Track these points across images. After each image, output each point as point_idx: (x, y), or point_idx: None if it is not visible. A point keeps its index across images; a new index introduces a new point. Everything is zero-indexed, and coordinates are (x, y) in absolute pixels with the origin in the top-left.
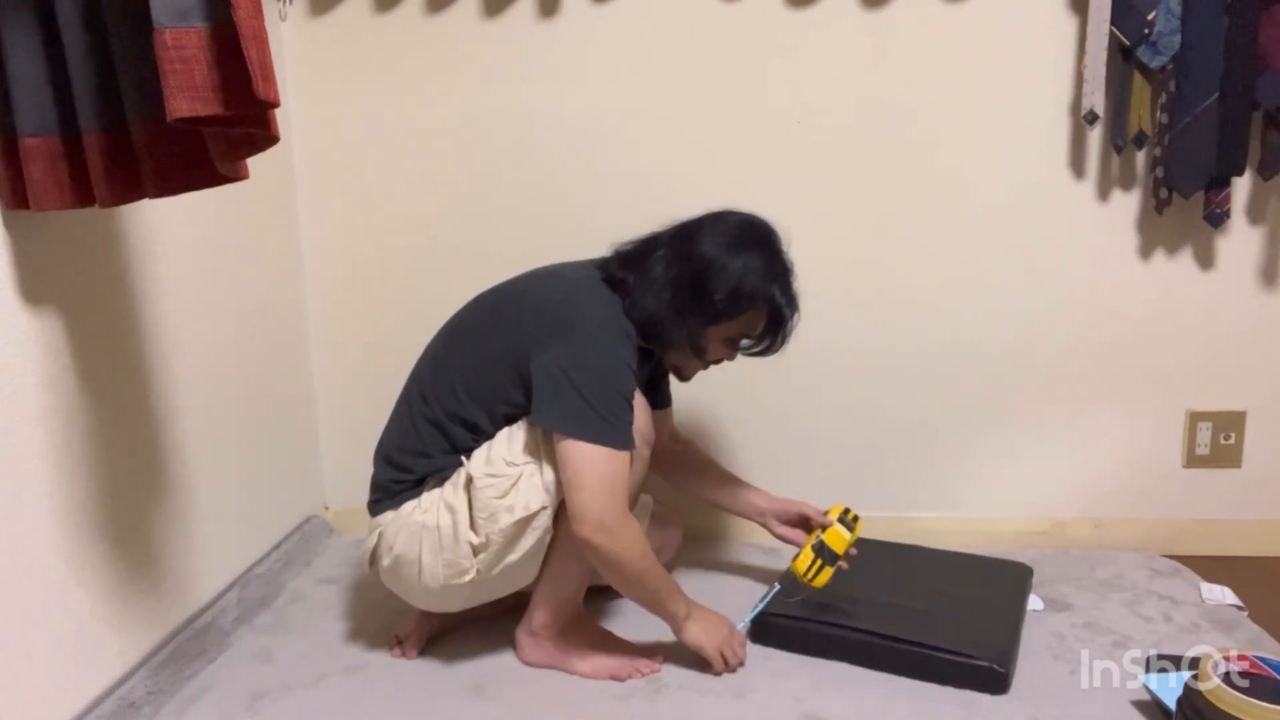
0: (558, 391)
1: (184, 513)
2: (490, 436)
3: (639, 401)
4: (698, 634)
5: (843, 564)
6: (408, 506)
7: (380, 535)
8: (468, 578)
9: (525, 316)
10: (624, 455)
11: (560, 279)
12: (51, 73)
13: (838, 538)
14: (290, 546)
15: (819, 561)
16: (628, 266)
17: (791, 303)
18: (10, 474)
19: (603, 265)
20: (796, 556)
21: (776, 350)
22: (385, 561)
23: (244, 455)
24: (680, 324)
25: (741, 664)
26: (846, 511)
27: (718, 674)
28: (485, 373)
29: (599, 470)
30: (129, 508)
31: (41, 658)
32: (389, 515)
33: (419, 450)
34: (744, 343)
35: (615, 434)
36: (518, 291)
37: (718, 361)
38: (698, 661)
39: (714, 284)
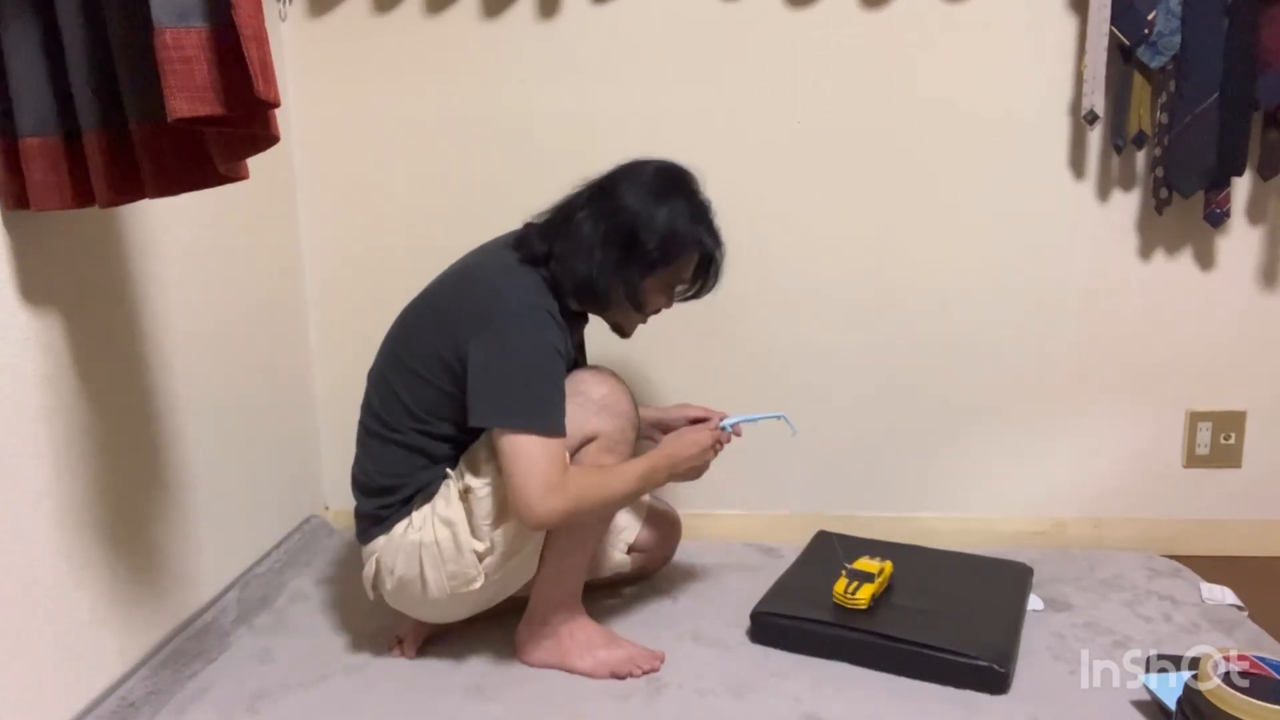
0: (483, 385)
1: (184, 513)
2: (462, 441)
3: (619, 386)
4: (672, 477)
5: (880, 582)
6: (399, 528)
7: (378, 561)
8: (477, 585)
9: (444, 318)
10: (558, 440)
11: (472, 273)
12: (51, 73)
13: (867, 563)
14: (290, 546)
15: (855, 583)
16: (549, 237)
17: (718, 241)
18: (10, 474)
19: (518, 244)
20: (835, 584)
21: (710, 290)
22: (388, 585)
23: (244, 455)
24: (617, 280)
25: (722, 442)
26: (872, 559)
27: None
28: (428, 386)
29: (534, 457)
30: (129, 508)
31: (41, 658)
32: (381, 541)
33: (399, 474)
34: (679, 288)
35: (544, 419)
36: (434, 296)
37: (655, 311)
38: (698, 661)
39: (645, 235)
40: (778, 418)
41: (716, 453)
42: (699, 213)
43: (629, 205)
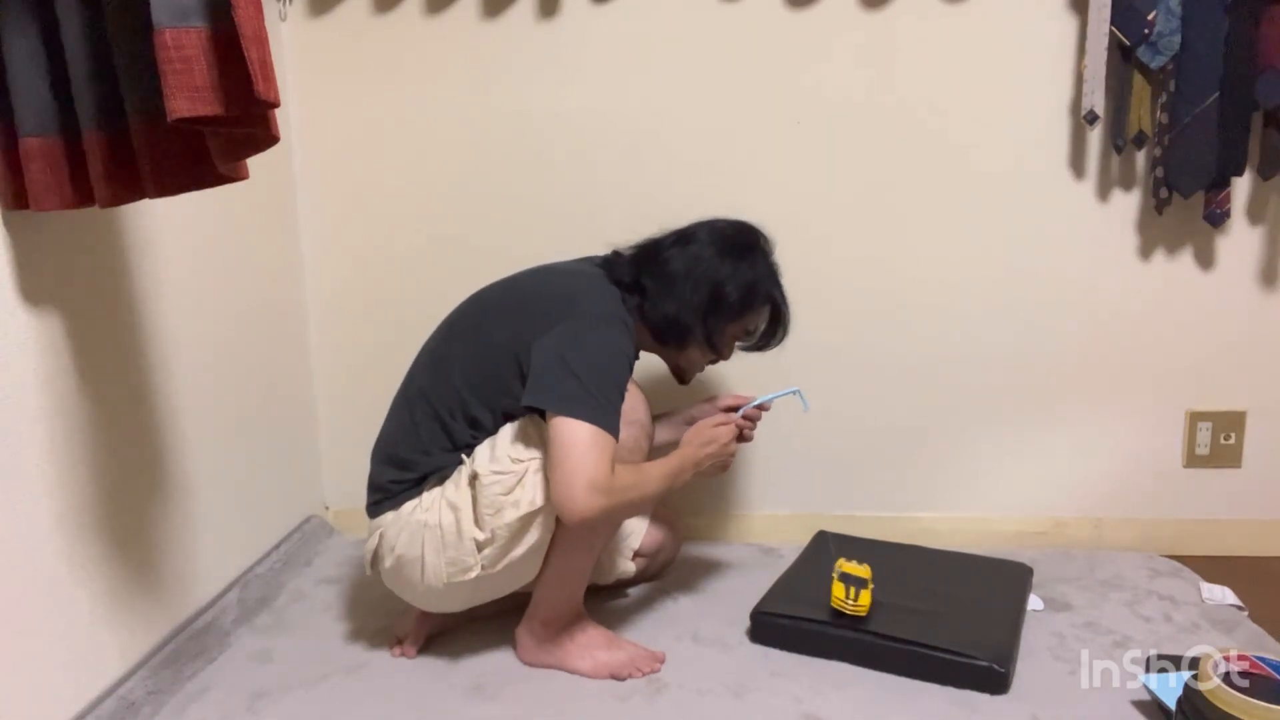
0: (552, 371)
1: (184, 513)
2: (490, 433)
3: (638, 395)
4: (696, 473)
5: (872, 584)
6: (408, 506)
7: (381, 536)
8: (472, 574)
9: (525, 308)
10: (610, 439)
11: (560, 273)
12: (51, 73)
13: (854, 568)
14: (290, 546)
15: (853, 588)
16: (638, 269)
17: (786, 301)
18: (10, 474)
19: (605, 265)
20: (831, 594)
21: (778, 344)
22: (387, 563)
23: (244, 455)
24: (701, 323)
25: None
26: (849, 560)
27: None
28: (485, 365)
29: (587, 451)
30: (129, 508)
31: (41, 658)
32: (389, 516)
33: (419, 448)
34: (742, 340)
35: (606, 417)
36: (517, 286)
37: (714, 361)
38: (698, 661)
39: (728, 286)
40: (793, 393)
41: (745, 439)
42: (773, 271)
43: (713, 256)
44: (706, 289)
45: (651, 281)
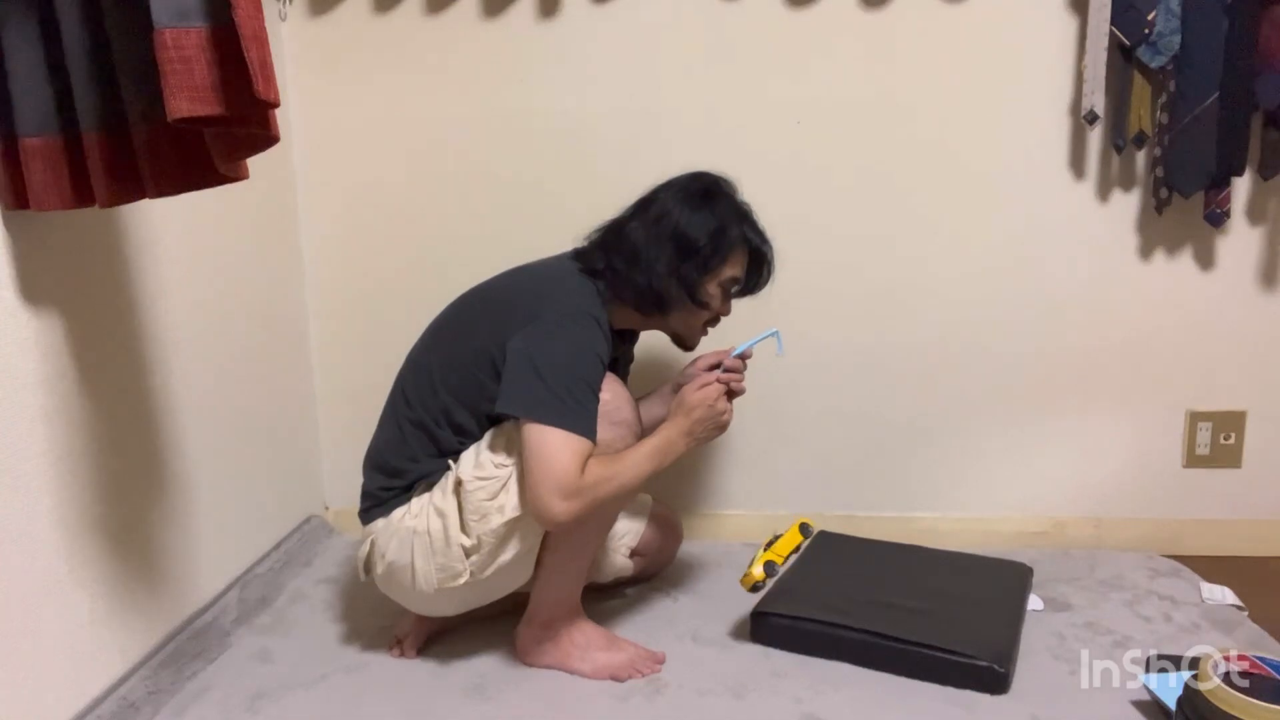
0: (520, 377)
1: (184, 513)
2: (476, 438)
3: (621, 393)
4: (692, 442)
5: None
6: (398, 513)
7: (373, 543)
8: (461, 580)
9: (496, 311)
10: (584, 441)
11: (532, 273)
12: (51, 73)
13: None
14: (290, 546)
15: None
16: (603, 252)
17: (763, 236)
18: (10, 474)
19: (578, 256)
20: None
21: (765, 285)
22: (379, 569)
23: (244, 455)
24: (677, 282)
25: (730, 384)
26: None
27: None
28: (464, 370)
29: (557, 456)
30: (129, 508)
31: (41, 658)
32: (380, 523)
33: (407, 455)
34: (733, 288)
35: (576, 419)
36: (490, 290)
37: (714, 322)
38: (698, 661)
39: (694, 233)
40: (772, 334)
41: (736, 393)
42: (740, 210)
43: (673, 209)
44: (672, 248)
45: (619, 260)
